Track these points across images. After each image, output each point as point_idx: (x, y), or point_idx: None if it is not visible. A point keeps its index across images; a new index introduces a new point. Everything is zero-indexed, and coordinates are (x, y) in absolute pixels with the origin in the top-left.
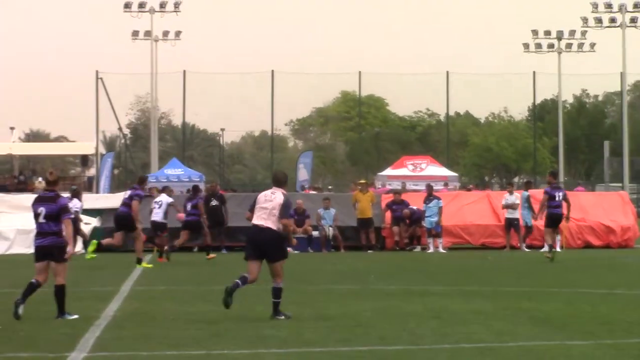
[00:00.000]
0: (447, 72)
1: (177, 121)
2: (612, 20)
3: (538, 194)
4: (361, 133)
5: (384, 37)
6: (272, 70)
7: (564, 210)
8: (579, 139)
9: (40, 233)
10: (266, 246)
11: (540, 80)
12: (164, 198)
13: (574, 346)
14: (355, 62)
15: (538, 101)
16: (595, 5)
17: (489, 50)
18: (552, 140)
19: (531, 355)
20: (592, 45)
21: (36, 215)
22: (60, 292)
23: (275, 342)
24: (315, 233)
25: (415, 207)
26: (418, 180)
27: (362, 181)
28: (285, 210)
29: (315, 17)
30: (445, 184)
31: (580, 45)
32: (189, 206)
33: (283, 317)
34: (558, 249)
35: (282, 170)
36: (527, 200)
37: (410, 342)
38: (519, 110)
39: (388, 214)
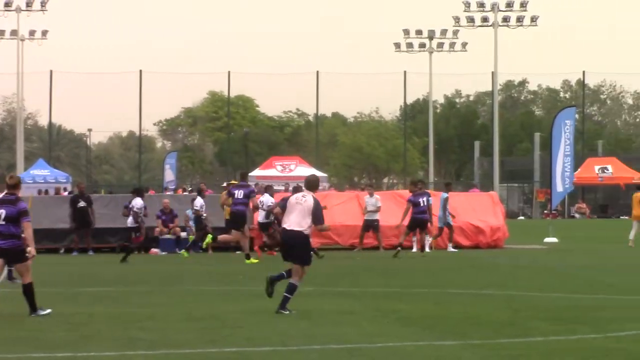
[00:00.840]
0: (317, 72)
1: (43, 121)
2: (485, 19)
3: (405, 194)
4: (230, 133)
5: (253, 36)
6: (140, 70)
7: (435, 212)
8: (450, 139)
9: (1, 234)
10: (293, 248)
11: (411, 80)
12: (266, 198)
13: (444, 346)
14: (224, 61)
15: (409, 101)
16: (467, 5)
17: (360, 50)
18: (422, 140)
19: (401, 356)
20: (464, 44)
21: None
22: (28, 291)
23: (143, 344)
24: (183, 234)
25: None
26: (287, 181)
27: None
28: (319, 213)
29: (184, 16)
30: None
31: (452, 45)
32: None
33: (287, 313)
34: (428, 250)
35: (315, 175)
36: (446, 201)
37: (280, 343)
38: (390, 110)
39: (257, 215)
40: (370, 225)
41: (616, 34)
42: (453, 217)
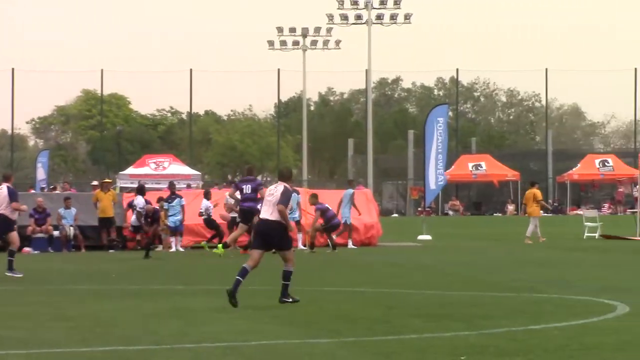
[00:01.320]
0: (191, 70)
1: None
2: (358, 17)
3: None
4: (103, 132)
5: (127, 34)
6: (13, 68)
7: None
8: (324, 137)
9: None
10: (272, 237)
11: (285, 78)
12: (139, 200)
13: (318, 344)
14: (97, 59)
15: (284, 99)
16: (341, 2)
17: (234, 48)
18: (296, 138)
19: (275, 354)
20: (338, 42)
21: None
22: None
23: (14, 343)
24: (55, 233)
25: (153, 206)
26: (160, 179)
27: (107, 180)
28: (283, 197)
29: (56, 13)
30: (188, 185)
31: (326, 43)
32: None
33: (290, 301)
34: (301, 246)
35: (287, 167)
36: (351, 198)
37: (152, 342)
38: (264, 108)
39: (129, 213)
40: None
41: (490, 32)
42: (359, 213)
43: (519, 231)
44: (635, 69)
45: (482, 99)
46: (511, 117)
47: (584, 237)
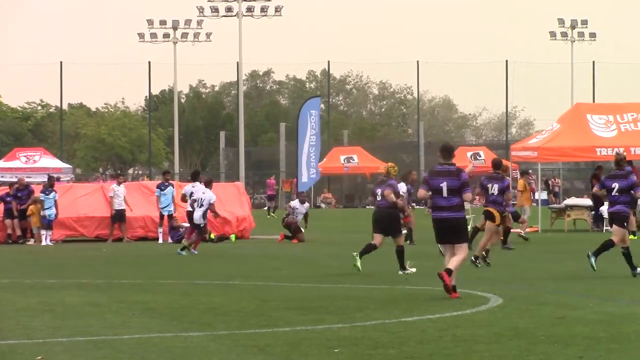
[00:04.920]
0: (61, 62)
1: None
2: (229, 9)
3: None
4: None
5: None
6: None
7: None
8: (196, 130)
9: None
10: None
11: (156, 71)
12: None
13: (191, 337)
14: None
15: (155, 92)
16: None
17: (105, 40)
18: (167, 130)
19: (147, 347)
20: (209, 35)
21: None
22: None
23: None
24: None
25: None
26: (32, 173)
27: None
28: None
29: None
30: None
31: (197, 35)
32: None
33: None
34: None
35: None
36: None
37: (24, 336)
38: (135, 101)
39: (1, 206)
40: (122, 216)
41: (361, 25)
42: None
43: None
44: (507, 61)
45: (354, 92)
46: (383, 110)
47: None
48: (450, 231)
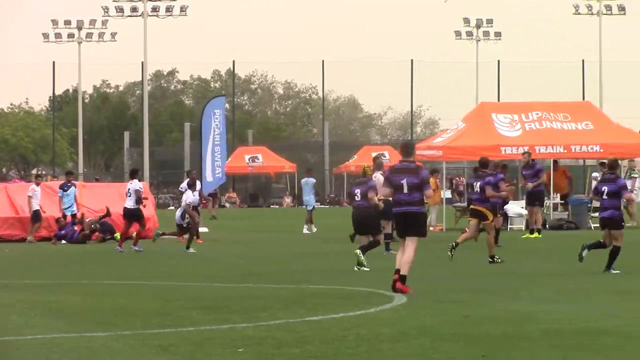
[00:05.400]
0: None
1: None
2: (134, 9)
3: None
4: None
5: None
6: None
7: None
8: (100, 130)
9: None
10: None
11: (61, 71)
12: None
13: (94, 338)
14: None
15: (59, 92)
16: None
17: (9, 41)
18: (71, 130)
19: (50, 347)
20: (114, 34)
21: None
22: None
23: None
24: None
25: None
26: None
27: None
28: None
29: None
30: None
31: (101, 35)
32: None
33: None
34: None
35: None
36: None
37: None
38: (40, 101)
39: None
40: (38, 215)
41: (265, 25)
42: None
43: (295, 223)
44: (412, 60)
45: (259, 92)
46: (288, 109)
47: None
48: (409, 224)
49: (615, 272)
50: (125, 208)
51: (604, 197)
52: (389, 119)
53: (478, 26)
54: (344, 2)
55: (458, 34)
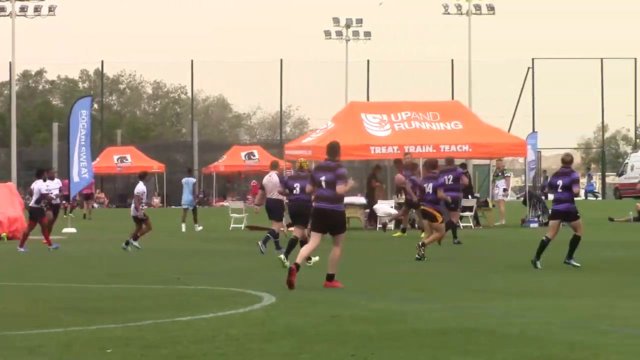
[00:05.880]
0: None
1: None
2: (1, 9)
3: None
4: None
5: None
6: None
7: None
8: None
9: None
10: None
11: None
12: None
13: None
14: None
15: None
16: None
17: None
18: None
19: None
20: None
21: None
22: None
23: None
24: None
25: None
26: None
27: None
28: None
29: None
30: None
31: None
32: None
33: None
34: None
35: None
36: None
37: None
38: None
39: None
40: None
41: (134, 26)
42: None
43: (165, 223)
44: (281, 60)
45: (127, 91)
46: (157, 109)
47: (230, 229)
48: (329, 222)
49: (576, 264)
50: (30, 207)
51: (559, 190)
52: (258, 118)
53: (348, 26)
54: (212, 3)
55: (328, 33)
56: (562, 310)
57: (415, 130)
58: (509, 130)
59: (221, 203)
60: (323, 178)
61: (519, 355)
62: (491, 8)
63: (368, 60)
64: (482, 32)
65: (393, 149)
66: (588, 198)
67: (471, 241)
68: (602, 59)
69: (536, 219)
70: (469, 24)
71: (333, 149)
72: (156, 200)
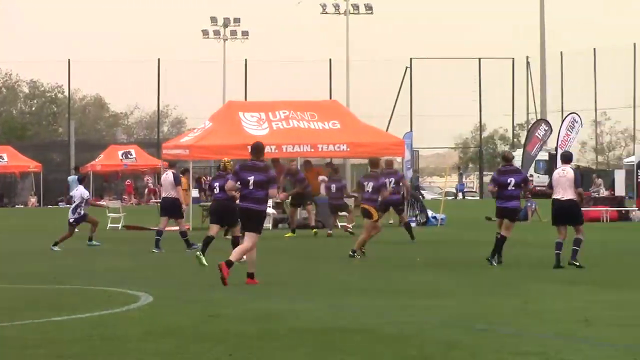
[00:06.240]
0: None
1: None
2: None
3: None
4: None
5: None
6: None
7: None
8: None
9: None
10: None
11: None
12: None
13: None
14: None
15: None
16: None
17: None
18: None
19: None
20: None
21: None
22: None
23: None
24: None
25: None
26: None
27: None
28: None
29: None
30: None
31: None
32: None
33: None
34: None
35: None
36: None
37: None
38: None
39: None
40: None
41: (11, 23)
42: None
43: (43, 223)
44: (159, 59)
45: (3, 91)
46: (33, 109)
47: (107, 228)
48: (249, 219)
49: (495, 264)
50: None
51: (510, 187)
52: (136, 118)
53: (225, 25)
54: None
55: (205, 32)
56: (440, 309)
57: (293, 129)
58: (387, 130)
59: (99, 202)
60: (252, 178)
61: (397, 355)
62: (369, 8)
63: (246, 60)
64: (360, 31)
65: (271, 148)
66: (466, 197)
67: (349, 241)
68: (479, 59)
69: (414, 219)
70: (346, 24)
71: (258, 149)
72: (32, 200)
